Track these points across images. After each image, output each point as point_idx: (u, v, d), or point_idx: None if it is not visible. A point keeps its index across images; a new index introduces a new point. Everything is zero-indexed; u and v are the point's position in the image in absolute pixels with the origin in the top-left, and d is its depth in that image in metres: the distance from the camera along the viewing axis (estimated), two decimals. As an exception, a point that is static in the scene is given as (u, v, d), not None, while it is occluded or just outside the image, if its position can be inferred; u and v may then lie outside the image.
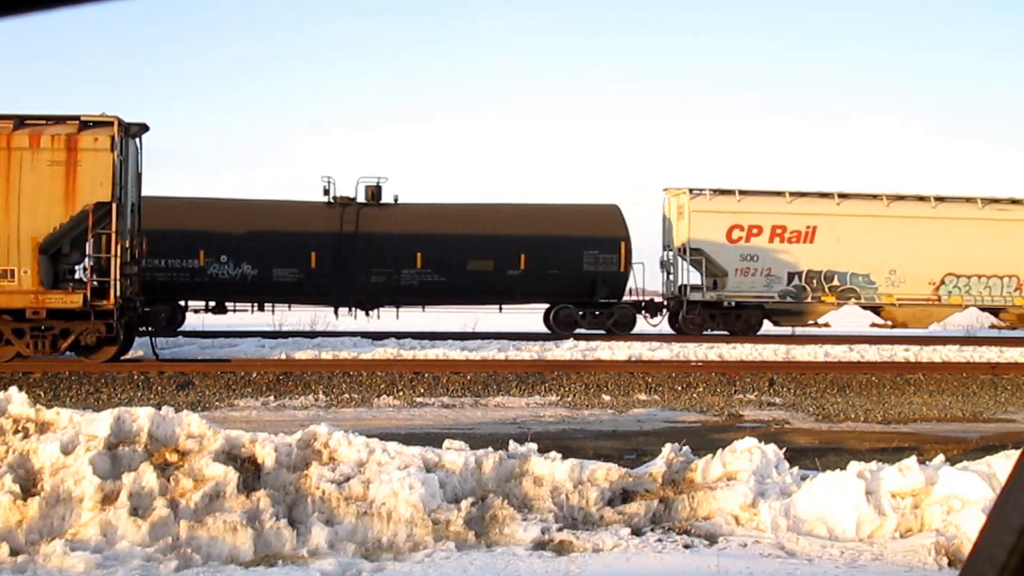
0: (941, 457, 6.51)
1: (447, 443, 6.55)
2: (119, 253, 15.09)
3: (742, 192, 23.31)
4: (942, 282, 23.80)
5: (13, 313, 14.75)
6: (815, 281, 23.32)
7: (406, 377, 14.21)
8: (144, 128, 16.01)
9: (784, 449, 6.64)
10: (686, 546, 5.51)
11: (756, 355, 18.00)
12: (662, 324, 23.74)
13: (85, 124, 14.93)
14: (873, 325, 24.60)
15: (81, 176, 14.68)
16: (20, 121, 14.83)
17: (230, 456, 5.94)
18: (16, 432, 6.06)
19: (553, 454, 6.37)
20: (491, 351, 17.94)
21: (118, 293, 14.90)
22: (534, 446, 6.54)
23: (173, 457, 5.95)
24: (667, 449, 6.58)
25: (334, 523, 5.57)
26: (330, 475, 5.86)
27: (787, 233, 23.29)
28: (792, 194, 23.47)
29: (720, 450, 6.51)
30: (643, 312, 23.56)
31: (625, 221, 23.08)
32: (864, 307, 24.32)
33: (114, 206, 14.85)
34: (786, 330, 24.50)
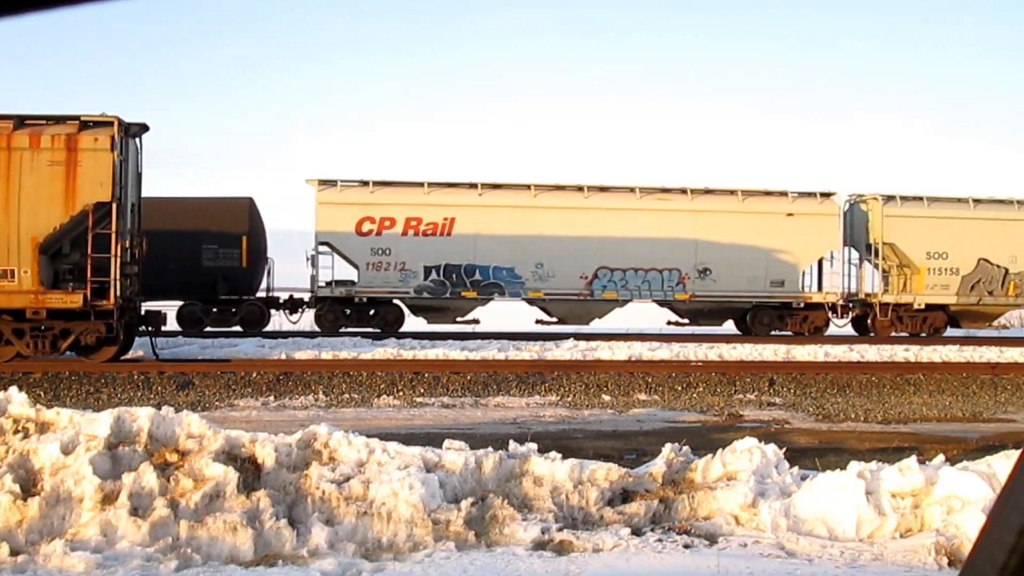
0: (941, 457, 6.51)
1: (447, 443, 6.55)
2: (119, 253, 15.10)
3: (376, 183, 22.26)
4: (595, 276, 22.55)
5: (13, 313, 14.76)
6: (454, 275, 22.19)
7: (406, 377, 14.22)
8: (144, 128, 16.01)
9: (784, 449, 6.64)
10: (686, 546, 5.51)
11: (756, 355, 18.00)
12: (301, 321, 23.16)
13: (85, 124, 14.93)
14: (538, 322, 23.30)
15: (81, 176, 14.68)
16: (20, 121, 14.83)
17: (230, 456, 5.94)
18: (16, 432, 6.06)
19: (553, 454, 6.37)
20: (491, 351, 17.94)
21: (118, 293, 14.91)
22: (534, 446, 6.54)
23: (173, 457, 5.95)
24: (667, 449, 6.58)
25: (334, 523, 5.57)
26: (330, 475, 5.85)
27: (422, 225, 22.15)
28: (431, 184, 22.36)
29: (720, 450, 6.51)
30: (282, 310, 22.97)
31: (257, 215, 22.55)
32: (529, 302, 23.02)
33: (114, 206, 14.86)
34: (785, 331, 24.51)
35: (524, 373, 14.72)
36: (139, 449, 5.91)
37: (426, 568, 5.07)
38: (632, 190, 22.93)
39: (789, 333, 23.34)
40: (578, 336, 20.88)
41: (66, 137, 14.74)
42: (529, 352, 17.87)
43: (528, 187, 22.58)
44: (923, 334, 23.86)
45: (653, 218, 22.65)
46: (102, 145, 14.77)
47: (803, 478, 6.25)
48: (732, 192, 23.30)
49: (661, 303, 23.34)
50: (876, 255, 23.93)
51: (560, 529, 5.68)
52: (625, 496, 6.21)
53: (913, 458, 6.19)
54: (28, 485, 5.60)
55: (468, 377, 14.31)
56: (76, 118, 14.99)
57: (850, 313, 24.51)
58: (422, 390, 13.62)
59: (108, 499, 5.49)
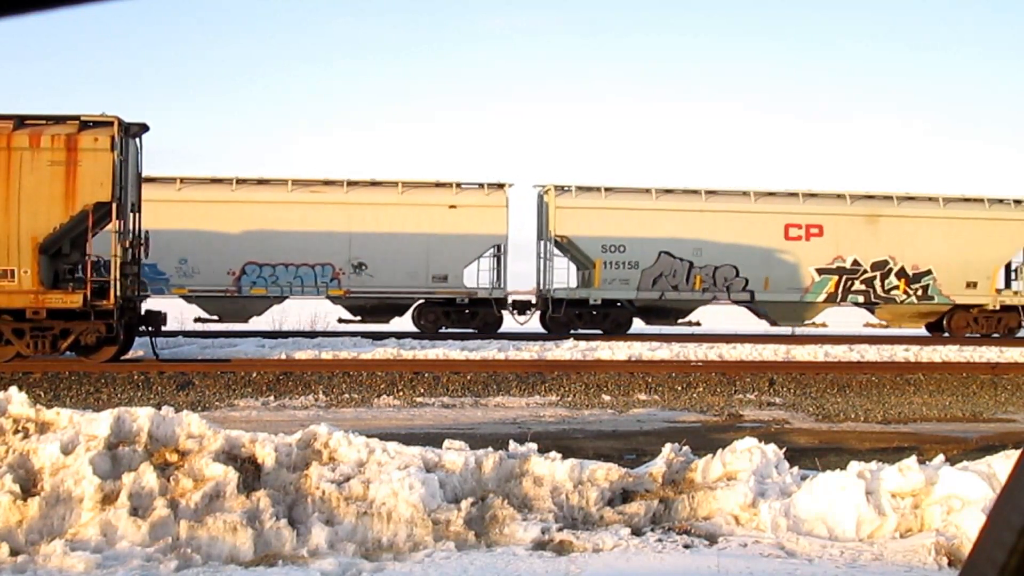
0: (941, 457, 6.51)
1: (447, 443, 6.55)
2: (119, 253, 15.10)
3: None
4: (243, 271, 21.77)
5: (13, 313, 14.75)
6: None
7: (406, 377, 14.21)
8: (144, 128, 16.01)
9: (784, 449, 6.64)
10: (686, 546, 5.51)
11: (756, 355, 18.00)
12: None
13: (85, 124, 14.93)
14: (197, 320, 22.49)
15: (81, 176, 14.68)
16: (20, 121, 14.82)
17: (230, 456, 5.94)
18: (16, 432, 6.06)
19: (553, 454, 6.37)
20: (491, 351, 17.94)
21: (118, 293, 14.91)
22: (534, 446, 6.54)
23: (173, 457, 5.95)
24: (667, 449, 6.58)
25: (334, 523, 5.57)
26: (330, 475, 5.85)
27: None
28: None
29: (720, 450, 6.51)
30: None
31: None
32: (186, 299, 21.99)
33: (114, 206, 14.86)
34: (785, 330, 24.55)
35: (524, 373, 14.72)
36: (139, 449, 5.91)
37: (426, 568, 5.07)
38: (284, 183, 22.16)
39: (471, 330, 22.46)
40: (578, 336, 20.90)
41: (66, 137, 14.74)
42: (529, 352, 17.87)
43: (175, 181, 21.69)
44: (602, 331, 22.75)
45: (304, 211, 21.85)
46: (102, 145, 14.77)
47: (803, 478, 6.25)
48: (393, 184, 22.38)
49: (330, 298, 22.69)
50: (560, 248, 23.01)
51: (560, 529, 5.68)
52: (625, 496, 6.21)
53: (913, 458, 6.19)
54: (28, 485, 5.60)
55: (468, 377, 14.31)
56: (76, 118, 14.99)
57: (532, 310, 23.37)
58: (422, 390, 13.62)
59: (108, 499, 5.49)
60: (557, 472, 6.18)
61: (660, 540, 5.60)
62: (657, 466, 6.43)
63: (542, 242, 23.44)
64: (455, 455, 6.19)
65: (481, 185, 22.73)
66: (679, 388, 14.10)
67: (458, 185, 22.69)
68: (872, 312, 24.67)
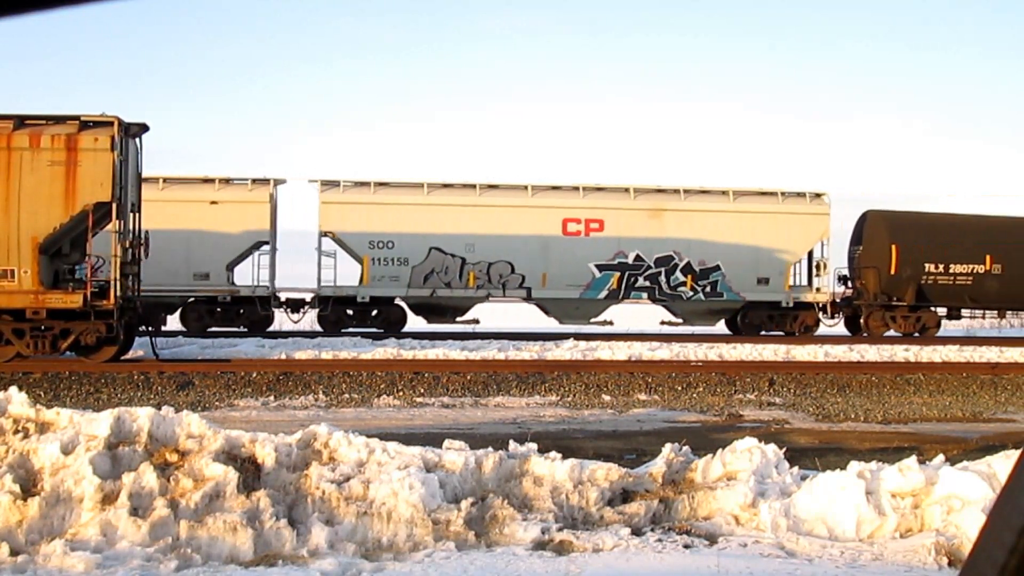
0: (941, 457, 6.50)
1: (447, 443, 6.55)
2: (119, 253, 15.10)
3: None
4: None
5: (13, 313, 14.76)
6: None
7: (406, 377, 14.21)
8: (144, 128, 16.01)
9: (784, 449, 6.63)
10: (686, 546, 5.51)
11: (756, 355, 18.00)
12: None
13: (85, 124, 14.93)
14: None
15: (81, 176, 14.68)
16: (20, 121, 14.83)
17: (230, 456, 5.94)
18: (16, 432, 6.06)
19: (553, 454, 6.37)
20: (491, 351, 17.94)
21: (118, 293, 14.91)
22: (534, 446, 6.54)
23: (173, 457, 5.95)
24: (667, 449, 6.58)
25: (334, 523, 5.57)
26: (330, 475, 5.85)
27: None
28: None
29: (720, 450, 6.51)
30: None
31: None
32: None
33: (114, 206, 14.86)
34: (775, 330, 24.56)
35: (524, 373, 14.72)
36: (139, 449, 5.91)
37: (426, 568, 5.07)
38: None
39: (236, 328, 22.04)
40: (578, 336, 20.90)
41: (66, 137, 14.74)
42: (529, 352, 17.88)
43: None
44: (378, 329, 22.23)
45: None
46: (102, 145, 14.77)
47: (803, 478, 6.25)
48: (155, 180, 21.46)
49: None
50: (340, 244, 22.52)
51: (560, 529, 5.68)
52: (625, 496, 6.21)
53: (913, 458, 6.19)
54: (28, 485, 5.60)
55: (468, 377, 14.31)
56: (76, 118, 14.99)
57: (306, 308, 22.85)
58: (422, 390, 13.62)
59: (108, 499, 5.49)
60: (557, 472, 6.18)
61: (660, 540, 5.60)
62: (657, 466, 6.43)
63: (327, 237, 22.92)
64: (455, 455, 6.19)
65: (244, 181, 22.27)
66: (679, 388, 14.10)
67: (223, 181, 22.20)
68: (670, 311, 23.89)
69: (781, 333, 23.63)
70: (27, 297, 14.62)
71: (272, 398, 13.00)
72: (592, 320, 23.35)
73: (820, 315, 24.07)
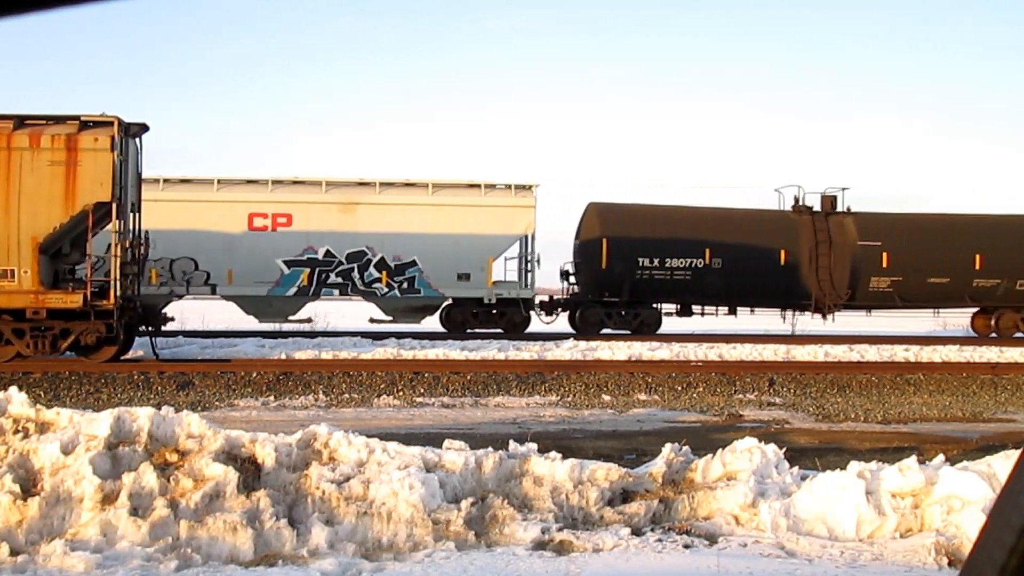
0: (941, 457, 6.51)
1: (447, 443, 6.55)
2: (119, 253, 15.10)
3: None
4: None
5: (13, 313, 14.75)
6: None
7: (406, 377, 14.21)
8: (144, 128, 16.01)
9: (784, 449, 6.64)
10: (686, 546, 5.51)
11: (756, 355, 18.00)
12: None
13: (85, 124, 14.93)
14: None
15: (81, 176, 14.68)
16: (20, 121, 14.82)
17: (230, 456, 5.94)
18: (16, 432, 6.06)
19: (553, 454, 6.37)
20: (491, 351, 17.94)
21: (118, 293, 14.91)
22: (534, 446, 6.54)
23: (173, 457, 5.95)
24: (667, 449, 6.58)
25: (334, 523, 5.57)
26: (330, 475, 5.86)
27: None
28: None
29: (720, 450, 6.51)
30: None
31: None
32: None
33: (114, 206, 14.86)
34: (785, 330, 24.54)
35: (524, 373, 14.71)
36: (139, 449, 5.91)
37: (426, 568, 5.07)
38: None
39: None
40: (577, 336, 20.89)
41: (66, 137, 14.74)
42: (529, 352, 17.87)
43: None
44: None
45: None
46: (102, 145, 14.76)
47: (803, 478, 6.25)
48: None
49: None
50: None
51: (560, 529, 5.68)
52: (625, 496, 6.21)
53: (913, 458, 6.19)
54: (28, 485, 5.60)
55: (468, 377, 14.31)
56: (76, 118, 14.98)
57: None
58: (422, 390, 13.61)
59: (108, 499, 5.49)
60: (557, 472, 6.18)
61: (660, 540, 5.60)
62: (657, 466, 6.43)
63: None
64: (455, 455, 6.19)
65: None
66: (679, 388, 14.10)
67: None
68: (380, 308, 22.95)
69: (499, 330, 22.52)
70: (27, 297, 14.61)
71: (272, 398, 13.00)
72: (291, 318, 22.48)
73: (538, 312, 23.23)
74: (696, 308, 24.14)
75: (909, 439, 10.35)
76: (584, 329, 22.89)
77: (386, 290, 22.16)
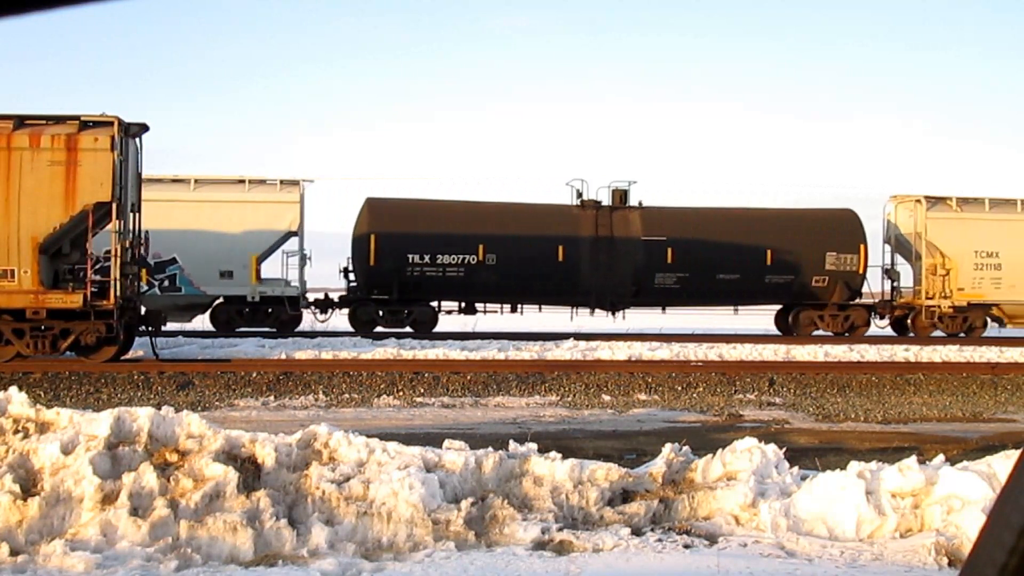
0: (941, 457, 6.51)
1: (447, 443, 6.55)
2: (119, 253, 15.10)
3: None
4: None
5: (13, 313, 14.76)
6: None
7: (406, 377, 14.21)
8: (144, 128, 16.01)
9: (784, 449, 6.64)
10: (686, 546, 5.51)
11: (756, 355, 18.00)
12: None
13: (85, 124, 14.93)
14: None
15: (81, 176, 14.68)
16: (20, 121, 14.83)
17: (230, 456, 5.94)
18: (16, 432, 6.06)
19: (553, 454, 6.37)
20: (491, 351, 17.94)
21: (118, 293, 14.91)
22: (534, 446, 6.54)
23: (173, 457, 5.95)
24: (667, 449, 6.58)
25: (334, 523, 5.57)
26: (330, 475, 5.85)
27: None
28: None
29: (720, 450, 6.51)
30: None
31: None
32: None
33: (114, 206, 14.86)
34: (775, 329, 24.51)
35: (524, 373, 14.71)
36: (139, 449, 5.91)
37: (426, 568, 5.07)
38: None
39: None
40: (578, 336, 20.89)
41: (66, 137, 14.74)
42: (529, 352, 17.87)
43: None
44: None
45: None
46: (102, 145, 14.77)
47: (803, 478, 6.25)
48: None
49: None
50: None
51: (560, 529, 5.68)
52: (625, 496, 6.21)
53: (913, 458, 6.19)
54: (28, 485, 5.60)
55: (468, 377, 14.31)
56: (76, 118, 14.99)
57: None
58: (422, 390, 13.61)
59: (108, 499, 5.49)
60: (557, 472, 6.18)
61: (660, 540, 5.60)
62: (657, 466, 6.43)
63: None
64: (455, 455, 6.19)
65: None
66: (679, 388, 14.10)
67: None
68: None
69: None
70: (27, 297, 14.62)
71: (272, 398, 13.00)
72: None
73: (313, 310, 22.75)
74: (480, 306, 23.28)
75: (909, 439, 10.34)
76: (358, 327, 22.36)
77: (147, 288, 21.00)
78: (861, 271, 23.66)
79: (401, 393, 13.40)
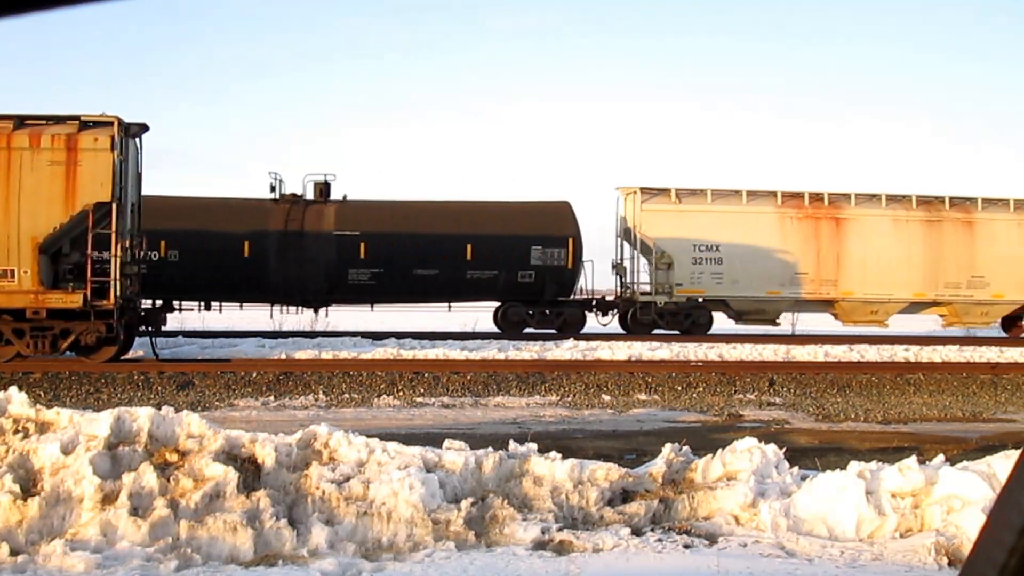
0: (941, 457, 6.51)
1: (447, 443, 6.55)
2: (119, 253, 15.09)
3: None
4: None
5: (13, 313, 14.75)
6: None
7: (406, 377, 14.21)
8: (144, 128, 16.01)
9: (784, 449, 6.64)
10: (686, 546, 5.51)
11: (756, 355, 18.00)
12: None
13: (85, 124, 14.93)
14: None
15: (81, 176, 14.67)
16: (20, 121, 14.82)
17: (230, 456, 5.94)
18: (16, 432, 6.06)
19: (553, 454, 6.37)
20: (491, 351, 17.93)
21: (118, 293, 14.91)
22: (534, 446, 6.54)
23: (173, 457, 5.95)
24: (667, 449, 6.58)
25: (334, 523, 5.57)
26: (330, 475, 5.85)
27: None
28: None
29: (720, 450, 6.51)
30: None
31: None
32: None
33: (114, 206, 14.85)
34: (785, 330, 24.48)
35: (524, 373, 14.71)
36: (139, 449, 5.91)
37: (426, 568, 5.07)
38: None
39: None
40: (578, 336, 20.89)
41: (66, 137, 14.74)
42: (529, 352, 17.87)
43: None
44: None
45: None
46: (102, 145, 14.76)
47: (803, 478, 6.25)
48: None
49: None
50: None
51: (560, 529, 5.68)
52: (625, 496, 6.21)
53: (913, 458, 6.19)
54: (28, 485, 5.60)
55: (468, 377, 14.31)
56: (76, 118, 14.98)
57: None
58: (422, 390, 13.61)
59: (108, 499, 5.49)
60: (557, 472, 6.18)
61: (660, 540, 5.60)
62: (657, 466, 6.43)
63: None
64: (455, 455, 6.19)
65: None
66: (679, 388, 14.10)
67: None
68: None
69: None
70: (27, 297, 14.61)
71: (272, 398, 13.00)
72: None
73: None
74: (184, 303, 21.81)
75: (909, 439, 10.35)
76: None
77: None
78: (570, 266, 22.26)
79: (401, 393, 13.40)
